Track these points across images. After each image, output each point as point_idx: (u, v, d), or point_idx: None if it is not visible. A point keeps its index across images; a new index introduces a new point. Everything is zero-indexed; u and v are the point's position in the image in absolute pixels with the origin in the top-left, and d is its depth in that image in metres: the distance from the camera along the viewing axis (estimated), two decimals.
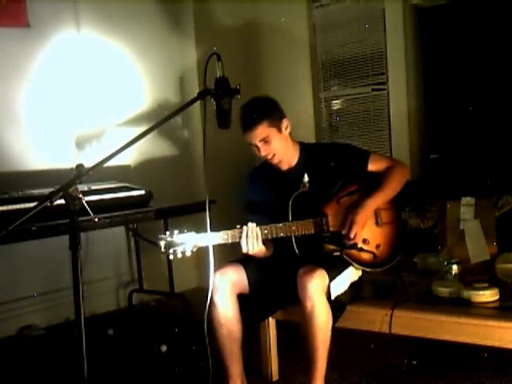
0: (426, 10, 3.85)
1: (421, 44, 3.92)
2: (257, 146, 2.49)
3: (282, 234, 2.38)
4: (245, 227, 2.32)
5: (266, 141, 2.47)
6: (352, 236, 2.45)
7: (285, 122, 2.54)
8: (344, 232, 2.47)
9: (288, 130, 2.55)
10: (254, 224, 2.34)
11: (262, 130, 2.46)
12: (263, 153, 2.50)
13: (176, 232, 2.22)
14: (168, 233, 2.22)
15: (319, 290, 2.26)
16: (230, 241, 2.31)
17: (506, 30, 3.45)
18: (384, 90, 3.99)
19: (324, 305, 2.28)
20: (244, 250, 2.33)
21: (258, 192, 2.63)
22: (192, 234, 2.23)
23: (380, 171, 2.59)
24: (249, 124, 2.46)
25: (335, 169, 2.56)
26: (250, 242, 2.32)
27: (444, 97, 3.77)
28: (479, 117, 3.55)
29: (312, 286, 2.25)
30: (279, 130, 2.50)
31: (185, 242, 2.21)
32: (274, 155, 2.52)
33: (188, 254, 2.22)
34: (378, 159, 2.65)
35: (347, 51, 4.12)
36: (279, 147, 2.51)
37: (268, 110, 2.50)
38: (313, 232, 2.44)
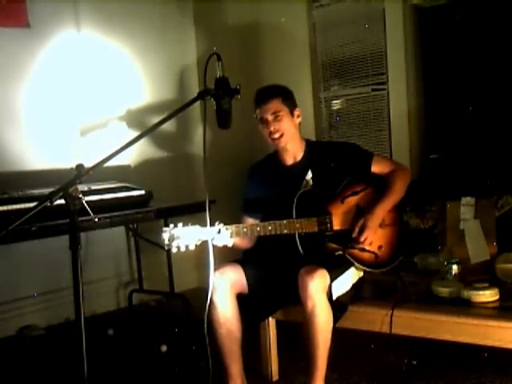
0: (426, 10, 3.85)
1: (421, 44, 3.92)
2: (267, 121, 2.51)
3: (285, 231, 2.38)
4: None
5: (277, 116, 2.50)
6: (362, 240, 2.47)
7: (297, 111, 2.59)
8: (354, 235, 2.48)
9: (299, 119, 2.60)
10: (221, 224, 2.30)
11: (276, 104, 2.51)
12: (272, 127, 2.51)
13: (180, 224, 2.20)
14: (172, 225, 2.20)
15: (320, 290, 2.26)
16: (234, 235, 2.31)
17: (506, 30, 3.45)
18: (384, 90, 3.99)
19: (325, 305, 2.28)
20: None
21: (258, 188, 2.63)
22: (196, 228, 2.22)
23: (382, 173, 2.61)
24: (263, 97, 2.52)
25: (339, 167, 2.57)
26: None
27: (444, 97, 3.77)
28: (479, 117, 3.55)
29: (313, 286, 2.25)
30: (291, 114, 2.55)
31: (189, 234, 2.20)
32: (282, 135, 2.52)
33: (191, 247, 2.20)
34: (381, 161, 2.66)
35: (347, 51, 4.12)
36: (288, 129, 2.53)
37: (284, 92, 2.57)
38: (316, 230, 2.44)
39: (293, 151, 2.60)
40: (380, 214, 2.52)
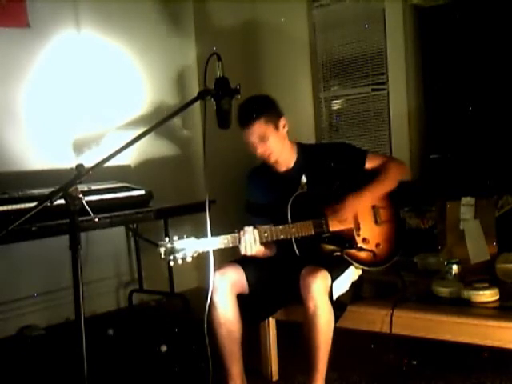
0: (426, 9, 3.85)
1: (421, 44, 3.92)
2: (253, 144, 2.49)
3: (282, 237, 2.38)
4: (241, 232, 2.31)
5: (262, 138, 2.47)
6: (347, 218, 2.46)
7: (282, 121, 2.53)
8: (336, 215, 2.47)
9: (285, 128, 2.55)
10: (251, 227, 2.33)
11: (259, 127, 2.45)
12: (259, 150, 2.49)
13: (175, 238, 2.20)
14: (167, 239, 2.20)
15: (322, 291, 2.26)
16: (230, 245, 2.30)
17: (506, 30, 3.45)
18: (384, 90, 3.99)
19: (326, 305, 2.27)
20: (242, 252, 2.33)
21: (257, 193, 2.63)
22: (192, 240, 2.21)
23: (377, 168, 2.60)
24: (246, 120, 2.46)
25: (333, 169, 2.56)
26: (248, 245, 2.31)
27: (444, 97, 3.77)
28: (479, 117, 3.55)
29: (315, 287, 2.24)
30: (276, 128, 2.50)
31: (185, 247, 2.20)
32: (270, 154, 2.51)
33: (188, 259, 2.21)
34: (374, 157, 2.65)
35: (347, 51, 4.12)
36: (276, 145, 2.50)
37: (265, 108, 2.50)
38: (313, 233, 2.43)
39: (284, 161, 2.58)
40: (366, 196, 2.50)
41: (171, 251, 2.18)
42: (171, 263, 2.20)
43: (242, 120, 2.47)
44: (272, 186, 2.60)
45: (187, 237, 2.22)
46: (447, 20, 3.69)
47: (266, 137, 2.47)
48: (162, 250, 2.19)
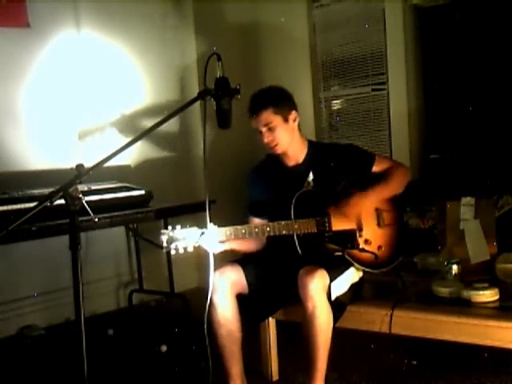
0: (426, 9, 3.85)
1: (421, 44, 3.93)
2: (260, 132, 2.50)
3: (284, 232, 2.38)
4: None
5: (269, 127, 2.47)
6: (349, 215, 2.47)
7: (293, 114, 2.53)
8: (339, 211, 2.48)
9: (296, 122, 2.55)
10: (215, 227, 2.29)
11: (267, 116, 2.46)
12: (266, 139, 2.50)
13: (178, 227, 2.20)
14: (170, 227, 2.20)
15: (320, 291, 2.26)
16: (232, 237, 2.31)
17: (506, 30, 3.45)
18: (384, 90, 3.99)
19: (325, 305, 2.27)
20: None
21: (260, 189, 2.63)
22: (194, 230, 2.22)
23: (382, 172, 2.61)
24: (254, 108, 2.48)
25: (341, 169, 2.57)
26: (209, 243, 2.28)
27: (444, 97, 3.77)
28: (479, 117, 3.55)
29: (313, 286, 2.24)
30: (285, 120, 2.50)
31: (186, 237, 2.20)
32: (276, 144, 2.51)
33: (190, 249, 2.20)
34: (381, 161, 2.67)
35: (347, 51, 4.13)
36: (283, 137, 2.51)
37: (276, 98, 2.51)
38: (315, 231, 2.44)
39: (294, 154, 2.59)
40: (370, 196, 2.51)
41: (173, 239, 2.18)
42: (173, 252, 2.19)
43: (251, 108, 2.49)
44: (277, 181, 2.60)
45: (190, 226, 2.22)
46: (447, 20, 3.69)
47: (273, 127, 2.47)
48: (165, 238, 2.18)
